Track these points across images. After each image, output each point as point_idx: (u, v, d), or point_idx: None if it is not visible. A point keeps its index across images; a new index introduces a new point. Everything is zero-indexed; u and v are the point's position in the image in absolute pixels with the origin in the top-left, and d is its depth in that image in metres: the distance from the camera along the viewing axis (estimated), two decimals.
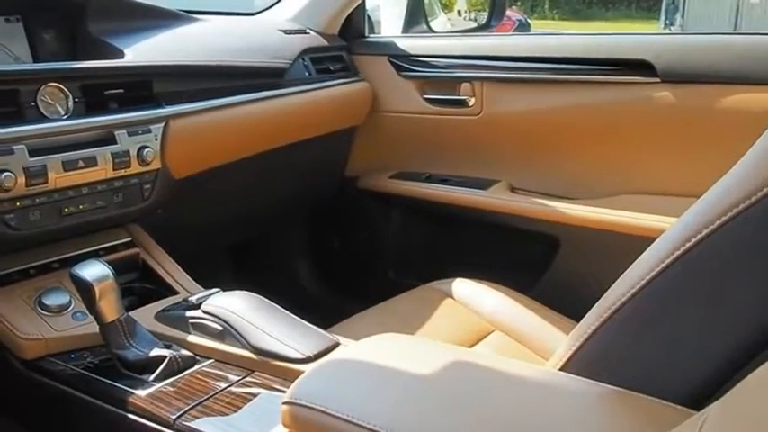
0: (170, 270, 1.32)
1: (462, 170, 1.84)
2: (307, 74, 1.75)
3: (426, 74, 1.83)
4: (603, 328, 0.67)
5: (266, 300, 1.14)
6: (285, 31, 1.79)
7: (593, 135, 1.64)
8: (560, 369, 0.70)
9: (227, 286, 1.21)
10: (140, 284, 1.31)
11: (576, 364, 0.69)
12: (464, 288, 1.45)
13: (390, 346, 0.80)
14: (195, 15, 1.68)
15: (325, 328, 1.12)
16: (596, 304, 0.69)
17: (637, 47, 1.56)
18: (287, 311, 1.13)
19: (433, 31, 2.24)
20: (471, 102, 1.76)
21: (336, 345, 1.05)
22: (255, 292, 1.17)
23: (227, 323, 1.07)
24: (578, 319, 0.71)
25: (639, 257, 0.67)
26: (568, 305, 1.31)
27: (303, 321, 1.10)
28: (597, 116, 1.62)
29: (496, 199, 1.72)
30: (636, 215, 1.52)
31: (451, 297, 1.43)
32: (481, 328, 1.35)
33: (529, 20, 14.21)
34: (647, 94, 1.52)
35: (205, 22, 1.68)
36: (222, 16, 1.86)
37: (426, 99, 1.83)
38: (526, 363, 0.80)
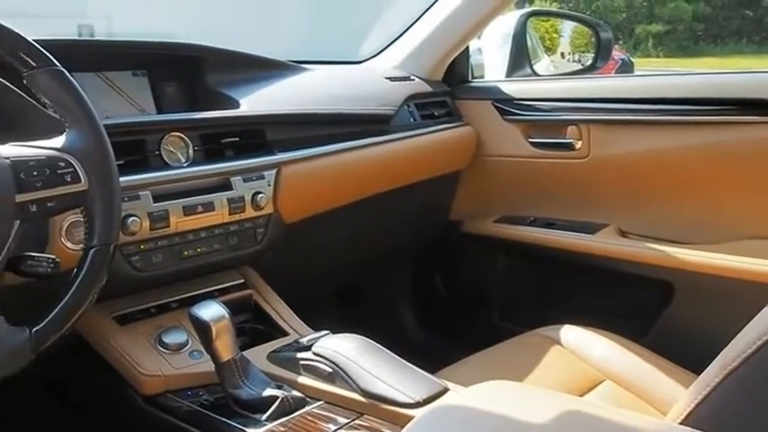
0: (281, 311, 1.36)
1: (569, 214, 1.82)
2: (412, 120, 1.78)
3: (531, 117, 1.83)
4: (727, 382, 0.64)
5: (375, 343, 1.15)
6: (390, 79, 1.83)
7: (707, 177, 1.59)
8: (681, 423, 0.68)
9: (330, 327, 1.23)
10: (252, 325, 1.35)
11: (697, 419, 0.67)
12: (572, 335, 1.42)
13: (501, 393, 0.80)
14: (304, 65, 1.75)
15: (430, 372, 1.12)
16: (719, 355, 0.66)
17: (753, 85, 1.51)
18: (395, 355, 1.14)
19: (536, 74, 2.24)
20: (578, 145, 1.75)
21: (445, 390, 1.05)
22: (359, 334, 1.18)
23: (336, 365, 1.09)
24: (694, 369, 0.69)
25: (766, 307, 0.65)
26: (683, 354, 1.26)
27: (411, 366, 1.11)
28: (711, 157, 1.57)
29: (606, 243, 1.69)
30: (757, 261, 1.45)
31: (559, 344, 1.41)
32: (591, 376, 1.32)
33: (632, 58, 13.97)
34: (764, 135, 1.47)
35: (313, 72, 1.74)
36: (329, 65, 1.92)
37: (531, 143, 1.82)
38: (643, 415, 0.78)
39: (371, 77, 1.85)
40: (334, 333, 1.19)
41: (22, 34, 0.93)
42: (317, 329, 1.24)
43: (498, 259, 1.97)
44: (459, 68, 1.98)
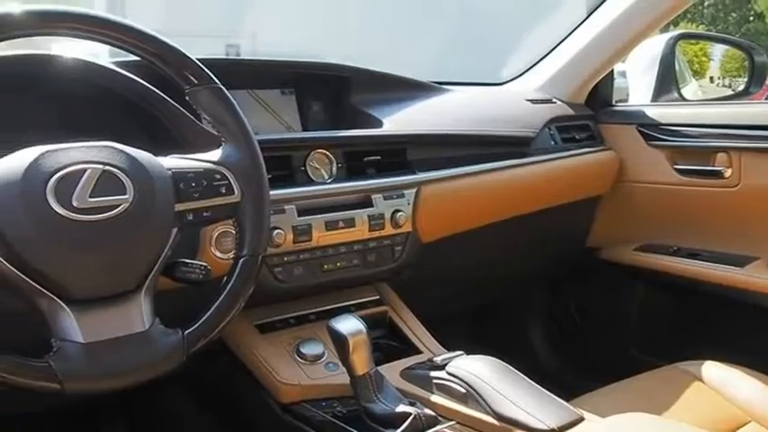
0: (415, 329, 1.37)
1: (714, 244, 1.73)
2: (553, 143, 1.76)
3: (677, 143, 1.77)
4: None
5: (509, 366, 1.14)
6: (532, 101, 1.82)
7: None
8: None
9: (460, 346, 1.22)
10: (387, 341, 1.37)
11: None
12: (715, 371, 1.35)
13: (641, 427, 0.77)
14: (445, 86, 1.76)
15: (562, 399, 1.10)
16: None
17: None
18: (530, 380, 1.12)
19: (684, 99, 2.16)
20: (727, 173, 1.67)
21: (581, 419, 1.03)
22: (489, 355, 1.17)
23: (471, 387, 1.08)
24: None
25: None
26: None
27: (546, 392, 1.09)
28: None
29: (755, 277, 1.60)
30: None
31: (700, 380, 1.35)
32: (735, 416, 1.25)
33: None
34: None
35: (454, 93, 1.76)
36: (470, 87, 1.93)
37: (677, 169, 1.76)
38: None
39: (512, 99, 1.85)
40: (465, 353, 1.19)
41: (186, 53, 0.99)
42: (446, 348, 1.24)
43: (637, 288, 1.91)
44: (602, 92, 1.94)
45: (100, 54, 1.15)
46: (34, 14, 0.89)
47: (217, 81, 0.99)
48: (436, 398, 1.12)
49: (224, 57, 1.50)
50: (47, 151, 0.85)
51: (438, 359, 1.17)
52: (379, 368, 1.14)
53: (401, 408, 1.07)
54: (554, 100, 1.87)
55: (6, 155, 0.86)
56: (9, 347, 0.81)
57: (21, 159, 0.84)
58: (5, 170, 0.83)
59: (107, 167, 0.86)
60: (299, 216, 1.25)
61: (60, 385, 0.81)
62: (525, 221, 1.69)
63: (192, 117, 1.15)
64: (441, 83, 1.77)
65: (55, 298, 0.83)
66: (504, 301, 2.14)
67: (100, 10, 1.00)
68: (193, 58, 0.99)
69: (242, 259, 0.96)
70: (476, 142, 1.57)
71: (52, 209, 0.81)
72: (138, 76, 1.13)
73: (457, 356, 1.17)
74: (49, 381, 0.81)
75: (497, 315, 2.18)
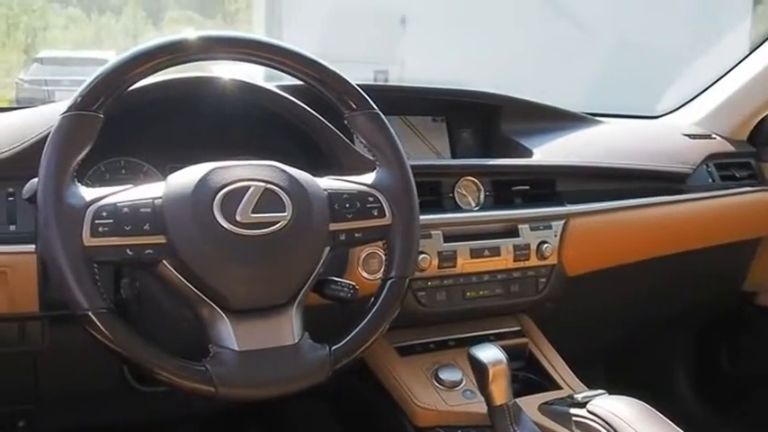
0: (555, 364, 1.35)
1: None
2: (710, 180, 1.69)
3: None
4: None
5: (654, 410, 1.10)
6: (690, 136, 1.75)
7: None
8: None
9: (598, 384, 1.20)
10: (525, 374, 1.35)
11: None
12: None
13: None
14: (597, 118, 1.73)
15: None
16: None
17: None
18: (675, 426, 1.07)
19: None
20: None
21: None
22: (627, 395, 1.13)
23: (611, 427, 1.05)
24: None
25: None
26: None
27: None
28: None
29: None
30: None
31: None
32: None
33: None
34: None
35: (607, 125, 1.72)
36: (624, 119, 1.89)
37: None
38: None
39: (668, 134, 1.78)
40: (606, 392, 1.16)
41: (347, 78, 1.03)
42: (585, 384, 1.21)
43: None
44: (766, 128, 1.84)
45: (255, 76, 1.21)
46: (210, 40, 0.96)
47: (375, 107, 1.02)
48: None
49: (379, 83, 1.55)
50: (215, 168, 0.90)
51: (579, 396, 1.15)
52: (517, 400, 1.13)
53: None
54: (713, 135, 1.79)
55: (178, 170, 0.93)
56: (172, 351, 0.87)
57: (192, 175, 0.90)
58: (178, 184, 0.89)
59: (269, 185, 0.91)
60: (444, 242, 1.26)
61: (215, 389, 0.86)
62: (676, 260, 1.62)
63: (346, 140, 1.20)
64: (593, 114, 1.74)
65: (215, 307, 0.88)
66: (648, 342, 2.06)
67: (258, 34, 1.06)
68: (354, 83, 1.03)
69: (390, 281, 0.98)
70: (628, 176, 1.53)
71: (218, 222, 0.87)
72: (298, 100, 1.18)
73: (598, 395, 1.14)
74: (204, 384, 0.86)
75: (640, 355, 2.09)
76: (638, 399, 1.13)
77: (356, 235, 0.97)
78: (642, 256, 1.57)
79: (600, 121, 1.71)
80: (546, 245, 1.34)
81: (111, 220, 0.85)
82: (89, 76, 0.91)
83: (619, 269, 1.53)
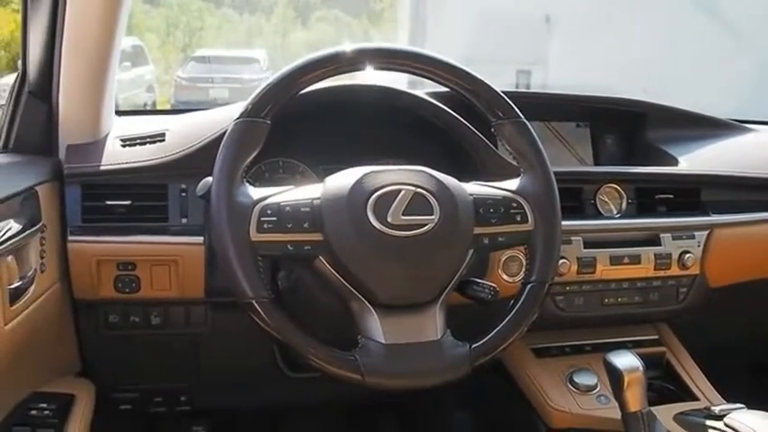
0: (693, 375, 1.34)
1: None
2: None
3: None
4: None
5: None
6: None
7: None
8: None
9: (737, 399, 1.18)
10: (662, 383, 1.35)
11: None
12: None
13: None
14: (748, 125, 1.68)
15: None
16: None
17: None
18: None
19: None
20: None
21: None
22: None
23: None
24: None
25: None
26: None
27: None
28: None
29: None
30: None
31: None
32: None
33: None
34: None
35: (758, 134, 1.67)
36: None
37: None
38: None
39: None
40: (745, 406, 1.15)
41: (494, 87, 1.07)
42: (726, 399, 1.20)
43: None
44: None
45: (397, 81, 1.27)
46: (366, 53, 1.03)
47: (521, 116, 1.06)
48: None
49: (524, 90, 1.59)
50: (370, 172, 0.98)
51: (716, 409, 1.14)
52: (651, 408, 1.14)
53: None
54: None
55: (332, 170, 1.01)
56: (324, 340, 0.94)
57: (348, 178, 0.97)
58: (335, 187, 0.97)
59: (419, 189, 0.97)
60: (584, 248, 1.28)
61: (362, 377, 0.93)
62: None
63: (491, 146, 1.24)
64: (743, 121, 1.69)
65: (365, 301, 0.95)
66: None
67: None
68: (501, 93, 1.07)
69: (530, 285, 1.02)
70: None
71: (371, 222, 0.94)
72: (447, 107, 1.24)
73: (737, 409, 1.13)
74: (353, 372, 0.93)
75: None
76: None
77: (499, 239, 1.02)
78: None
79: (749, 129, 1.66)
80: (688, 255, 1.33)
81: (274, 218, 0.94)
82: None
83: (765, 282, 1.49)
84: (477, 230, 1.00)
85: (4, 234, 0.96)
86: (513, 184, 1.05)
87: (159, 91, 10.62)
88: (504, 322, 1.00)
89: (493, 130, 1.07)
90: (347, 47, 1.03)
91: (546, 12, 8.43)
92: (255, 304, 0.92)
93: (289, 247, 0.95)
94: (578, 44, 7.85)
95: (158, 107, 10.50)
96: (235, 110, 1.01)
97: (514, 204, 1.02)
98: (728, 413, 1.12)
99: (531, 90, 1.86)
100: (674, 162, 1.45)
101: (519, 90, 1.47)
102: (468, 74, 1.06)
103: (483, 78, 1.08)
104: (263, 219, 0.94)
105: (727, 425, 1.09)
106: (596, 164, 1.53)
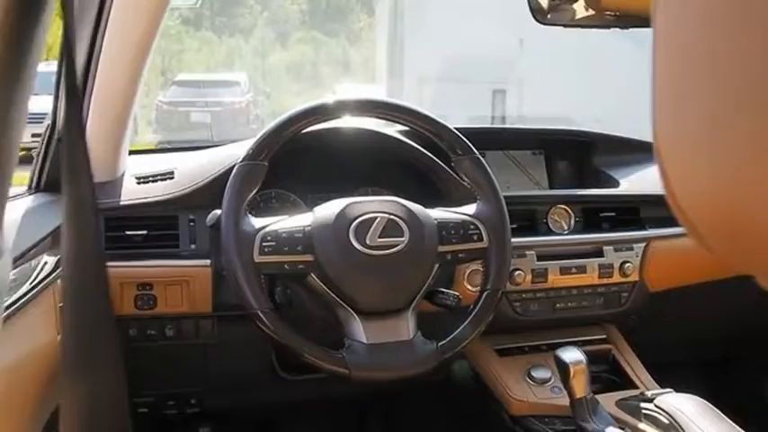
0: (635, 368, 1.53)
1: None
2: None
3: None
4: None
5: (715, 408, 1.27)
6: None
7: None
8: None
9: (686, 392, 1.34)
10: (608, 375, 1.55)
11: None
12: None
13: None
14: None
15: None
16: None
17: None
18: (734, 424, 1.24)
19: None
20: None
21: None
22: (722, 405, 1.27)
23: (674, 420, 1.24)
24: None
25: None
26: None
27: None
28: None
29: None
30: None
31: None
32: None
33: None
34: None
35: None
36: None
37: None
38: None
39: None
40: (673, 390, 1.34)
41: (453, 129, 1.29)
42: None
43: None
44: None
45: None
46: (346, 104, 1.24)
47: (476, 152, 1.27)
48: (643, 426, 1.29)
49: (485, 126, 1.80)
50: (351, 203, 1.18)
51: (649, 393, 1.34)
52: (597, 396, 1.33)
53: (610, 429, 1.26)
54: None
55: (319, 200, 1.22)
56: (316, 342, 1.15)
57: (333, 208, 1.18)
58: (323, 215, 1.18)
59: (392, 216, 1.18)
60: (537, 260, 1.49)
61: (349, 371, 1.13)
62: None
63: (454, 176, 1.45)
64: None
65: (349, 309, 1.16)
66: (741, 355, 2.16)
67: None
68: (459, 135, 1.28)
69: (486, 292, 1.23)
70: None
71: (353, 245, 1.14)
72: (417, 144, 1.45)
73: (666, 392, 1.33)
74: (341, 367, 1.13)
75: (729, 370, 2.20)
76: (729, 411, 1.26)
77: (460, 255, 1.23)
78: (728, 274, 1.70)
79: None
80: (628, 264, 1.54)
81: (273, 243, 1.14)
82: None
83: (705, 286, 1.67)
84: (441, 248, 1.21)
85: (42, 269, 1.14)
86: (470, 209, 1.26)
87: (140, 114, 10.67)
88: (464, 324, 1.21)
89: (453, 164, 1.29)
90: (329, 99, 1.24)
91: (519, 34, 8.69)
92: (260, 314, 1.12)
93: (286, 266, 1.15)
94: (552, 64, 8.10)
95: (140, 131, 10.48)
96: (229, 150, 1.21)
97: (472, 226, 1.23)
98: (659, 396, 1.31)
99: (491, 126, 2.05)
100: (616, 184, 1.66)
101: (480, 126, 1.68)
102: (432, 119, 1.28)
103: (445, 123, 1.29)
104: (264, 244, 1.14)
105: (657, 406, 1.29)
106: (551, 187, 1.73)
